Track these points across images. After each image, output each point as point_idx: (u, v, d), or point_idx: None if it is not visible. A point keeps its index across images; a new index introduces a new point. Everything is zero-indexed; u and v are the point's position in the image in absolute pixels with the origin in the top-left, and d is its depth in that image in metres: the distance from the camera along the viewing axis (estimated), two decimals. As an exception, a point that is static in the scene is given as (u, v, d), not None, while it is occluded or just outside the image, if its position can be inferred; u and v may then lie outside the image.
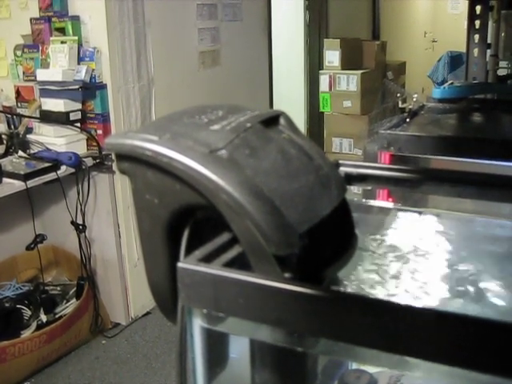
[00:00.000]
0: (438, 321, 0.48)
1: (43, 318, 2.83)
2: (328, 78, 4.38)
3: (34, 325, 2.79)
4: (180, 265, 0.56)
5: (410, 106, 1.61)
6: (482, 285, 0.65)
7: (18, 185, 2.62)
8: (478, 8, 2.43)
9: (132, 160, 0.60)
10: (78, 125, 2.94)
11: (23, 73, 3.18)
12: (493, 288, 0.64)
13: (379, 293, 0.64)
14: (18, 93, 3.16)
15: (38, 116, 2.97)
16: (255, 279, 0.53)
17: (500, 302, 0.63)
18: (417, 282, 0.65)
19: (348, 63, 4.38)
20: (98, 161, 2.96)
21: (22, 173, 2.64)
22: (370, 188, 0.90)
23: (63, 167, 2.79)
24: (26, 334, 2.73)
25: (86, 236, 3.02)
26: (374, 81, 4.41)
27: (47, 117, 2.92)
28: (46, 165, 2.74)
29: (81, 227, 2.96)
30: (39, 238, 2.84)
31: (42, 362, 2.79)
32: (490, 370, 0.47)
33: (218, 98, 3.68)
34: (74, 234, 2.97)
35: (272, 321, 0.54)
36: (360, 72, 4.31)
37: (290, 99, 4.40)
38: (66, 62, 2.86)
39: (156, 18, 3.23)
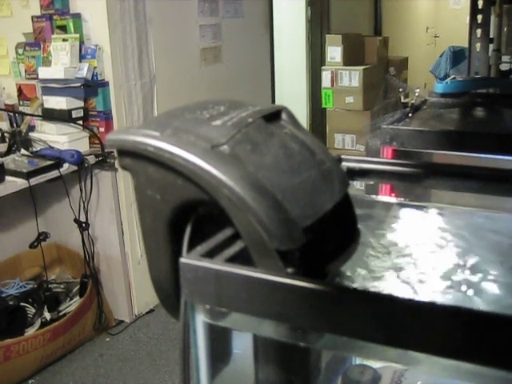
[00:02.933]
0: (442, 315, 0.48)
1: (47, 315, 2.84)
2: (330, 74, 4.37)
3: (37, 323, 2.80)
4: (182, 260, 0.56)
5: (413, 101, 1.60)
6: (485, 278, 0.65)
7: (20, 183, 2.62)
8: (480, 3, 2.43)
9: (134, 156, 0.60)
10: (81, 122, 2.93)
11: (25, 71, 3.18)
12: (496, 281, 0.64)
13: (382, 287, 0.63)
14: (19, 91, 3.15)
15: (40, 114, 2.97)
16: (258, 274, 0.53)
17: (503, 296, 0.63)
18: (420, 277, 0.65)
19: (350, 59, 4.38)
20: (100, 158, 2.95)
21: (24, 171, 2.64)
22: (372, 183, 0.90)
23: (66, 165, 2.79)
24: (30, 331, 2.74)
25: (89, 234, 3.02)
26: (376, 76, 4.40)
27: (49, 115, 2.92)
28: (49, 163, 2.74)
29: (84, 225, 2.96)
30: (42, 236, 2.84)
31: (45, 359, 2.80)
32: (494, 363, 0.46)
33: (220, 94, 3.67)
34: (77, 231, 2.97)
35: (275, 316, 0.54)
36: (362, 68, 4.31)
37: (291, 95, 4.40)
38: (68, 59, 2.86)
39: (157, 15, 3.23)
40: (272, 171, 0.57)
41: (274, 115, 0.65)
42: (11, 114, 3.07)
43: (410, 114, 1.56)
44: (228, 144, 0.57)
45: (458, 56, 5.50)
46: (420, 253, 0.71)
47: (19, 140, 2.91)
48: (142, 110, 3.18)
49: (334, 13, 4.69)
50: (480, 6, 2.43)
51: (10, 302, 2.81)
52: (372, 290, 0.62)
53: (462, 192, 0.80)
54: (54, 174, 2.74)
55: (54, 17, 3.00)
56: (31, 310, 2.84)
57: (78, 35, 2.93)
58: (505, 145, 1.31)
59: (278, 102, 4.28)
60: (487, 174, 0.78)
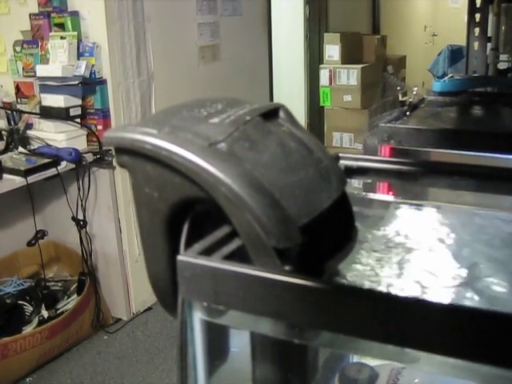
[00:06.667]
0: (439, 313, 0.48)
1: (45, 313, 2.83)
2: (328, 73, 4.37)
3: (35, 321, 2.79)
4: (180, 258, 0.56)
5: (410, 100, 1.60)
6: (482, 277, 0.65)
7: (18, 181, 2.62)
8: (478, 1, 2.43)
9: (131, 153, 0.59)
10: (78, 120, 2.93)
11: (23, 69, 3.17)
12: (493, 280, 0.64)
13: (379, 285, 0.64)
14: (17, 89, 3.15)
15: (38, 112, 2.96)
16: (255, 272, 0.53)
17: (501, 294, 0.63)
18: (417, 274, 0.65)
19: (348, 57, 4.38)
20: (98, 156, 2.95)
21: (22, 169, 2.64)
22: (370, 181, 0.90)
23: (63, 163, 2.78)
24: (28, 329, 2.73)
25: (86, 232, 3.02)
26: (375, 75, 4.41)
27: (47, 112, 2.92)
28: (47, 161, 2.73)
29: (81, 223, 2.96)
30: (40, 234, 2.83)
31: (43, 357, 2.79)
32: (492, 361, 0.47)
33: (218, 92, 3.67)
34: (75, 229, 2.97)
35: (272, 314, 0.54)
36: (360, 66, 4.31)
37: (290, 94, 4.41)
38: (66, 57, 2.86)
39: (155, 13, 3.22)
40: (269, 169, 0.57)
41: (271, 113, 0.65)
42: (9, 111, 3.07)
43: (407, 113, 1.56)
44: (226, 142, 0.57)
45: (455, 55, 5.51)
46: (417, 251, 0.71)
47: (17, 138, 2.91)
48: (139, 108, 3.17)
49: (332, 11, 4.69)
50: (478, 5, 2.43)
51: (8, 300, 2.81)
52: (369, 287, 0.62)
53: (459, 190, 0.80)
54: (51, 171, 2.74)
55: (52, 14, 2.99)
56: (29, 308, 2.84)
57: (75, 33, 2.92)
58: (502, 143, 1.31)
59: (275, 100, 4.28)
60: (485, 172, 0.78)
